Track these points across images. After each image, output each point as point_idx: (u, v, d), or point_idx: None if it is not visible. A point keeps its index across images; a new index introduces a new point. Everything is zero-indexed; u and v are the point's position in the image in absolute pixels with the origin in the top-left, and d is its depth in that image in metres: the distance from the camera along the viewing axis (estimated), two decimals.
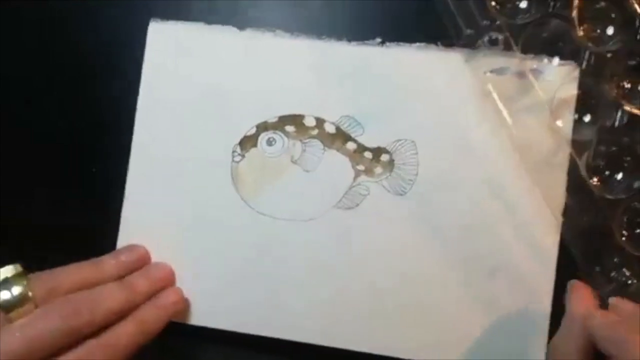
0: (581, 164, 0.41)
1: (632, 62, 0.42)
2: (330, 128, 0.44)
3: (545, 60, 0.43)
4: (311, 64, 0.44)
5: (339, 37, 0.44)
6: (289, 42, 0.45)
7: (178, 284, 0.44)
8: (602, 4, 0.42)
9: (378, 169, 0.44)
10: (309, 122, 0.44)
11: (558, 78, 0.42)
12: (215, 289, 0.44)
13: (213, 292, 0.44)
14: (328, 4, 0.45)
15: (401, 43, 0.44)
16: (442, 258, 0.43)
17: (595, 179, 0.41)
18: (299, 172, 0.44)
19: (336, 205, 0.44)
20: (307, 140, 0.44)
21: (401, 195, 0.44)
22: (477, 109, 0.43)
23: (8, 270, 0.37)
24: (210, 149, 0.45)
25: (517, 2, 0.43)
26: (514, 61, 0.43)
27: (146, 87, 0.45)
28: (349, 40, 0.44)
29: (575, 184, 0.42)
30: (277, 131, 0.45)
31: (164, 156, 0.45)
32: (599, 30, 0.42)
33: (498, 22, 0.42)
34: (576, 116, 0.42)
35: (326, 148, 0.44)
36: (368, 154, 0.44)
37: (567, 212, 0.42)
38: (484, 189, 0.43)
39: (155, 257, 0.44)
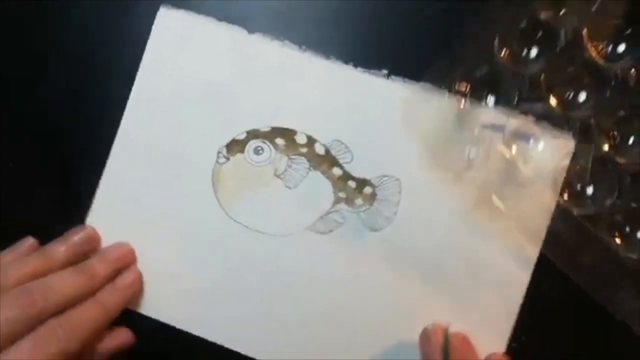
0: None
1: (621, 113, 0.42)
2: (320, 149, 0.44)
3: (541, 128, 0.42)
4: (313, 82, 0.44)
5: (346, 60, 0.44)
6: (296, 55, 0.44)
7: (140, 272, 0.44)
8: (571, 69, 0.42)
9: (359, 200, 0.44)
10: (300, 139, 0.44)
11: (553, 148, 0.42)
12: (176, 285, 0.44)
13: (173, 288, 0.44)
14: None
15: (407, 79, 0.43)
16: (406, 296, 0.43)
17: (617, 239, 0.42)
18: (280, 187, 0.44)
19: (309, 228, 0.44)
20: (294, 157, 0.44)
21: (375, 231, 0.43)
22: (468, 157, 0.43)
23: None
24: (196, 146, 0.44)
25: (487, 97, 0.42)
26: (511, 121, 0.42)
27: (143, 74, 0.44)
28: (356, 65, 0.43)
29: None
30: (266, 141, 0.44)
31: (147, 147, 0.44)
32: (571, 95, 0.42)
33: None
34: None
35: (312, 168, 0.44)
36: (352, 183, 0.44)
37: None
38: (460, 233, 0.43)
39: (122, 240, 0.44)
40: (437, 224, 0.43)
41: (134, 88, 0.44)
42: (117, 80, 0.45)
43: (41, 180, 0.46)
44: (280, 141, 0.44)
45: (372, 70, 0.43)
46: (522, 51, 0.42)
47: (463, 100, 0.42)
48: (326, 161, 0.44)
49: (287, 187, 0.44)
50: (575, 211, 0.41)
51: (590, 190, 0.42)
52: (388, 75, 0.43)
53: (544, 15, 0.42)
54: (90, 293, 0.40)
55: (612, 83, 0.41)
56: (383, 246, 0.43)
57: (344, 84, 0.43)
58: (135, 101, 0.44)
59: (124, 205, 0.44)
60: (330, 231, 0.43)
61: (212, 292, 0.44)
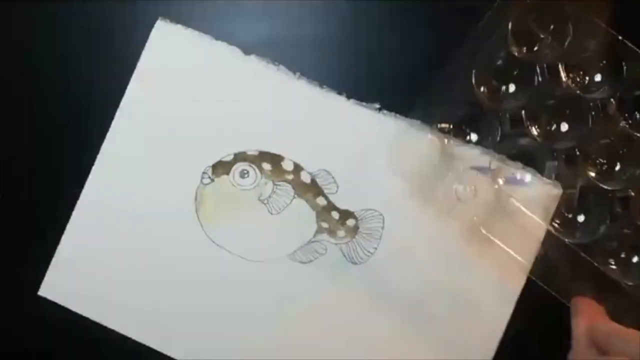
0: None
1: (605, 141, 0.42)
2: (305, 177, 0.43)
3: (530, 175, 0.42)
4: (304, 110, 0.43)
5: (339, 90, 0.43)
6: (290, 82, 0.43)
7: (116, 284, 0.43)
8: (551, 102, 0.43)
9: (341, 232, 0.43)
10: (287, 165, 0.44)
11: (539, 194, 0.42)
12: (151, 304, 0.43)
13: (147, 304, 0.43)
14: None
15: (398, 115, 0.43)
16: (381, 331, 0.43)
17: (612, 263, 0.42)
18: (263, 212, 0.43)
19: (289, 256, 0.43)
20: (279, 183, 0.44)
21: (356, 264, 0.43)
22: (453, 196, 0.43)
23: None
24: (181, 165, 0.44)
25: (468, 133, 0.43)
26: (495, 163, 0.42)
27: (134, 85, 0.44)
28: (349, 96, 0.43)
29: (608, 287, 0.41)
30: (253, 165, 0.44)
31: (132, 160, 0.44)
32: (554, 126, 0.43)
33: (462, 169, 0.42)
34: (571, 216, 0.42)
35: (296, 196, 0.43)
36: (335, 214, 0.43)
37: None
38: (441, 270, 0.43)
39: (99, 251, 0.43)
40: (419, 260, 0.43)
41: (123, 99, 0.44)
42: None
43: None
44: (267, 166, 0.44)
45: (364, 103, 0.43)
46: (500, 88, 0.43)
47: (445, 140, 0.42)
48: (311, 190, 0.43)
49: (270, 212, 0.43)
50: (567, 240, 0.41)
51: (581, 218, 0.42)
52: (380, 109, 0.43)
53: (518, 52, 0.42)
54: None
55: (593, 113, 0.42)
56: (362, 280, 0.43)
57: (335, 115, 0.43)
58: (123, 112, 0.44)
59: (104, 215, 0.44)
60: (310, 261, 0.43)
61: (184, 312, 0.43)
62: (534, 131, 0.42)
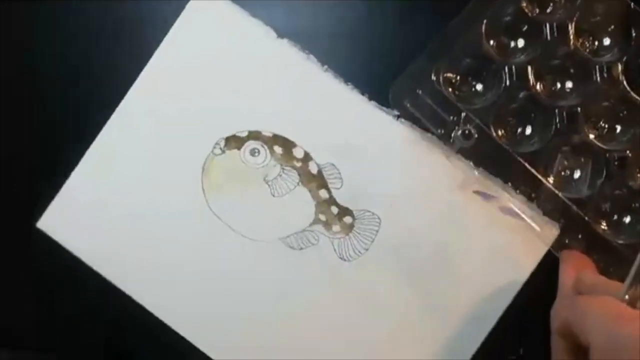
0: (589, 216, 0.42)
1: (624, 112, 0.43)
2: (313, 168, 0.44)
3: (529, 210, 0.43)
4: (325, 102, 0.44)
5: (362, 90, 0.44)
6: (316, 73, 0.44)
7: (115, 234, 0.45)
8: (556, 61, 0.43)
9: (336, 227, 0.44)
10: (298, 152, 0.44)
11: (539, 230, 0.43)
12: (142, 254, 0.45)
13: (139, 258, 0.45)
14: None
15: (414, 126, 0.44)
16: (356, 331, 0.44)
17: (603, 224, 0.43)
18: (265, 193, 0.44)
19: (282, 239, 0.44)
20: (287, 168, 0.44)
21: (344, 260, 0.44)
22: (452, 213, 0.43)
23: None
24: (196, 132, 0.44)
25: (474, 85, 0.44)
26: (503, 194, 0.43)
27: (164, 47, 0.44)
28: (370, 98, 0.44)
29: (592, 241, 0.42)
30: (265, 145, 0.44)
31: (150, 116, 0.45)
32: (559, 85, 0.43)
33: (464, 114, 0.43)
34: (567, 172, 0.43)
35: (300, 184, 0.44)
36: (334, 209, 0.44)
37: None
38: (430, 281, 0.44)
39: (103, 197, 0.45)
40: (407, 268, 0.44)
41: (151, 59, 0.44)
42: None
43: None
44: (278, 149, 0.44)
45: (384, 108, 0.44)
46: (509, 43, 0.43)
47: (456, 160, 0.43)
48: (316, 181, 0.44)
49: (272, 194, 0.44)
50: (562, 194, 0.42)
51: (577, 174, 0.43)
52: (398, 117, 0.44)
53: (530, 11, 0.43)
54: None
55: (598, 75, 0.42)
56: (347, 277, 0.44)
57: (353, 114, 0.44)
58: (148, 72, 0.44)
59: (116, 164, 0.45)
60: (301, 248, 0.44)
61: (175, 274, 0.44)
62: (538, 87, 0.43)
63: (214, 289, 0.44)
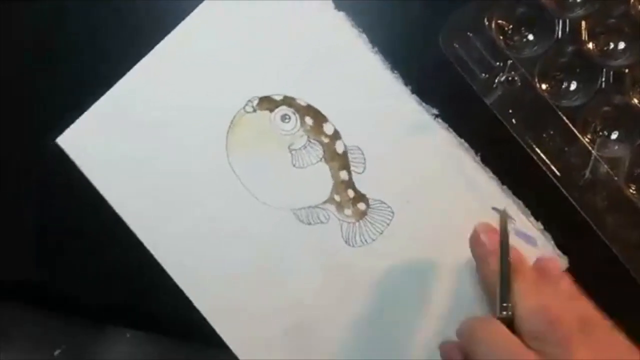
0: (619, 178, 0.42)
1: None
2: (339, 147, 0.44)
3: (542, 239, 0.42)
4: (367, 84, 0.43)
5: (406, 81, 0.43)
6: (365, 53, 0.43)
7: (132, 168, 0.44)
8: (612, 20, 0.43)
9: (348, 211, 0.44)
10: (328, 129, 0.44)
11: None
12: (153, 194, 0.44)
13: (150, 198, 0.44)
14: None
15: (451, 129, 0.43)
16: (346, 317, 0.44)
17: (632, 188, 0.42)
18: (286, 161, 0.44)
19: (293, 211, 0.44)
20: (313, 141, 0.44)
21: (349, 246, 0.44)
22: (466, 226, 0.42)
23: None
24: (230, 86, 0.44)
25: (525, 34, 0.43)
26: (521, 217, 0.42)
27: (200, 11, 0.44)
28: (413, 90, 0.43)
29: (615, 201, 0.42)
30: (297, 114, 0.44)
31: (187, 61, 0.44)
32: (611, 45, 0.43)
33: (510, 62, 0.42)
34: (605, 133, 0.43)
35: (323, 160, 0.44)
36: (351, 193, 0.44)
37: (614, 233, 0.42)
38: (426, 280, 0.43)
39: (126, 129, 0.44)
40: (408, 267, 0.43)
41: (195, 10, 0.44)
42: None
43: None
44: (309, 120, 0.44)
45: (425, 104, 0.43)
46: None
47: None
48: (339, 161, 0.44)
49: (293, 164, 0.44)
50: (596, 152, 0.42)
51: (614, 135, 0.43)
52: (436, 116, 0.43)
53: None
54: None
55: None
56: (349, 262, 0.43)
57: (392, 103, 0.43)
58: (190, 22, 0.44)
59: (138, 110, 0.44)
60: (309, 224, 0.44)
61: (183, 220, 0.44)
62: (590, 45, 0.43)
63: (215, 242, 0.44)
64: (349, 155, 0.44)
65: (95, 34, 0.45)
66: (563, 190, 0.42)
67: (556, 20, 0.42)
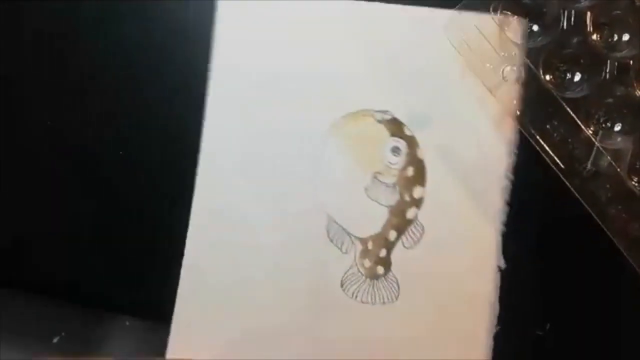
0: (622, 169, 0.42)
1: None
2: (410, 214, 0.42)
3: None
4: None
5: None
6: None
7: None
8: (617, 12, 0.43)
9: (367, 263, 0.42)
10: (417, 192, 0.42)
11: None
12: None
13: None
14: None
15: None
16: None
17: (635, 180, 0.43)
18: (363, 183, 0.42)
19: (329, 218, 0.42)
20: (396, 188, 0.42)
21: (341, 288, 0.42)
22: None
23: None
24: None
25: (530, 25, 0.43)
26: None
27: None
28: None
29: (618, 193, 0.42)
30: (408, 157, 0.41)
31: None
32: (615, 37, 0.43)
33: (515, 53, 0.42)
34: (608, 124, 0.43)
35: (389, 209, 0.42)
36: (383, 252, 0.42)
37: (618, 225, 0.42)
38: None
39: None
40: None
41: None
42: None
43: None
44: (410, 172, 0.41)
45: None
46: None
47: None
48: (400, 223, 0.42)
49: (365, 188, 0.42)
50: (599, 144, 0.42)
51: (617, 127, 0.43)
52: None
53: None
54: None
55: None
56: (330, 300, 0.42)
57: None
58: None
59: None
60: (330, 241, 0.42)
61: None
62: (595, 36, 0.43)
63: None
64: (412, 226, 0.42)
65: None
66: (565, 181, 0.42)
67: (561, 11, 0.43)
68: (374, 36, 0.42)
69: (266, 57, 0.42)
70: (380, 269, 0.42)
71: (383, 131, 0.41)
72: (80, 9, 0.43)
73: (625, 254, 0.42)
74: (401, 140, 0.41)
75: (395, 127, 0.41)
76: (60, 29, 0.42)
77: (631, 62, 0.41)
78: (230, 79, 0.42)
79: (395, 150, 0.41)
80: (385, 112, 0.41)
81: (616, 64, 0.41)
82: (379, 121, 0.41)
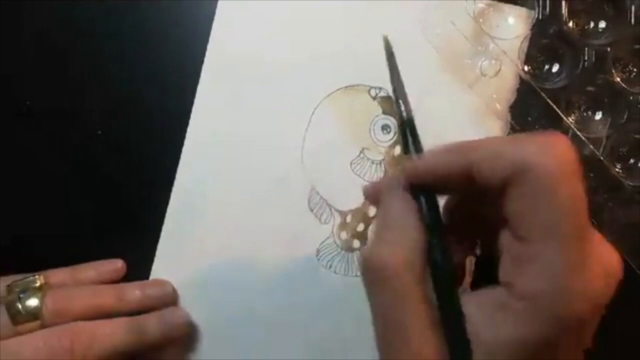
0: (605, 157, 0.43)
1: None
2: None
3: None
4: None
5: None
6: None
7: None
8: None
9: (344, 235, 0.43)
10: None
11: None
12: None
13: None
14: None
15: None
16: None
17: (618, 167, 0.44)
18: (349, 157, 0.42)
19: (313, 187, 0.42)
20: (382, 165, 0.42)
21: (316, 257, 0.43)
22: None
23: (29, 282, 0.37)
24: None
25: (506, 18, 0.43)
26: None
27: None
28: None
29: (601, 181, 0.43)
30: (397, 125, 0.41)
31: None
32: (591, 24, 0.43)
33: (492, 45, 0.43)
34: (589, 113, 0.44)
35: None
36: (361, 227, 0.43)
37: (604, 214, 0.43)
38: None
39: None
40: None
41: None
42: None
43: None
44: (398, 150, 0.42)
45: None
46: None
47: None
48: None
49: (351, 162, 0.42)
50: (581, 133, 0.42)
51: (598, 115, 0.44)
52: None
53: None
54: (139, 350, 0.38)
55: (633, 16, 0.44)
56: (304, 265, 0.42)
57: None
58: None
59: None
60: (311, 210, 0.42)
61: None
62: (571, 24, 0.43)
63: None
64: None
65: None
66: None
67: (536, 2, 0.44)
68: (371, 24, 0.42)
69: (263, 33, 0.42)
70: (356, 243, 0.43)
71: (376, 108, 0.41)
72: (81, 9, 0.42)
73: (611, 240, 0.40)
74: (392, 119, 0.42)
75: (389, 105, 0.41)
76: (60, 29, 0.42)
77: (608, 49, 0.42)
78: (223, 59, 0.42)
79: (386, 127, 0.42)
80: (380, 88, 0.41)
81: (594, 52, 0.42)
82: (373, 97, 0.41)
